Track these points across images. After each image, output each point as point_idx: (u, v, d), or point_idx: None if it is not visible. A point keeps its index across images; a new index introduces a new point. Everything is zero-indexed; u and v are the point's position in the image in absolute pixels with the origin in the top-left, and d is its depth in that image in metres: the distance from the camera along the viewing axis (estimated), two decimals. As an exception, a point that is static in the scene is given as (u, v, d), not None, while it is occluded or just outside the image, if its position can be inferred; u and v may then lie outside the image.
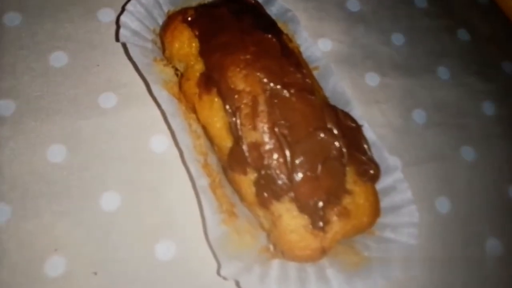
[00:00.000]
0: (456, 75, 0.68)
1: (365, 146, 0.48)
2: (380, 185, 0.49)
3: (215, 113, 0.46)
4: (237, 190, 0.46)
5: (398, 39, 0.69)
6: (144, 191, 0.51)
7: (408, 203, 0.50)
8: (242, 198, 0.46)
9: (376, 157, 0.50)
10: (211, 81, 0.46)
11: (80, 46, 0.59)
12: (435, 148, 0.62)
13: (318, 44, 0.64)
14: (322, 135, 0.44)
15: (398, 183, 0.51)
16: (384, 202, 0.50)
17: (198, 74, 0.48)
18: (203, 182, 0.46)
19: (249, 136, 0.44)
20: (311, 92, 0.46)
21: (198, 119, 0.48)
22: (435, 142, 0.62)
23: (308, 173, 0.43)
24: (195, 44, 0.49)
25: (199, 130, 0.49)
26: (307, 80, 0.47)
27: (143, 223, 0.50)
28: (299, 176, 0.43)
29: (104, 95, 0.56)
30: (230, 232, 0.46)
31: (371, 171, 0.47)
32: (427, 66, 0.68)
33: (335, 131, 0.45)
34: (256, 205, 0.45)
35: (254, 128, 0.44)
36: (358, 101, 0.58)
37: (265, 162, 0.43)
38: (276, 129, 0.44)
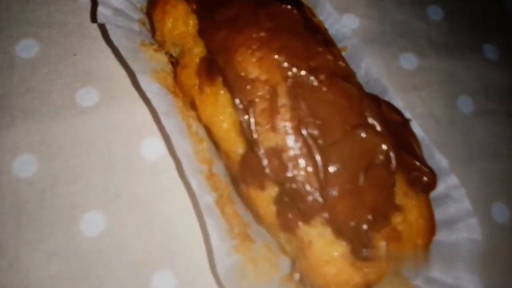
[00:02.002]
0: (506, 53, 0.58)
1: (415, 145, 0.37)
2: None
3: (221, 110, 0.35)
4: (252, 209, 0.36)
5: (435, 12, 0.58)
6: (135, 211, 0.41)
7: (466, 215, 0.40)
8: (258, 219, 0.36)
9: (425, 157, 0.39)
10: (215, 68, 0.35)
11: (53, 31, 0.49)
12: (486, 142, 0.52)
13: (343, 20, 0.53)
14: (363, 134, 0.33)
15: (452, 190, 0.41)
16: (436, 214, 0.39)
17: (197, 60, 0.37)
18: (207, 199, 0.36)
19: (267, 139, 0.33)
20: (346, 78, 0.35)
21: (200, 118, 0.37)
22: (486, 135, 0.52)
23: (347, 186, 0.33)
24: (192, 22, 0.38)
25: (202, 132, 0.39)
26: (340, 62, 0.36)
27: (134, 251, 0.40)
28: (335, 190, 0.32)
29: (83, 91, 0.46)
30: (243, 262, 0.36)
31: (425, 178, 0.36)
32: (472, 44, 0.58)
33: (379, 129, 0.35)
34: (277, 228, 0.35)
35: (274, 128, 0.33)
36: (393, 88, 0.47)
37: (289, 173, 0.33)
38: (303, 129, 0.33)
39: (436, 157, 0.41)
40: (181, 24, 0.39)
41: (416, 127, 0.42)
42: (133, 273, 0.40)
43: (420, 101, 0.53)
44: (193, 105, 0.38)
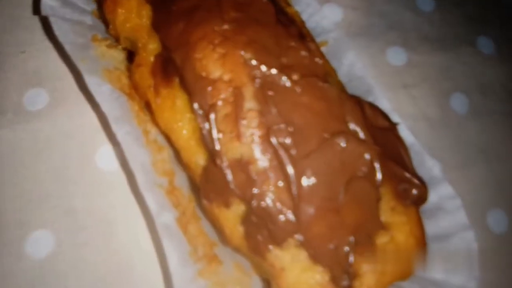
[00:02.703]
0: (502, 46, 0.53)
1: (404, 153, 0.32)
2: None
3: (179, 115, 0.31)
4: (217, 228, 0.31)
5: (426, 2, 0.54)
6: (88, 229, 0.36)
7: (461, 228, 0.35)
8: (224, 239, 0.31)
9: (415, 165, 0.35)
10: (171, 66, 0.30)
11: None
12: (482, 145, 0.48)
13: (324, 11, 0.48)
14: (343, 143, 0.29)
15: (446, 200, 0.36)
16: (427, 228, 0.35)
17: (152, 57, 0.32)
18: (166, 217, 0.31)
19: (232, 150, 0.29)
20: (324, 78, 0.31)
21: (157, 124, 0.32)
22: (482, 137, 0.48)
23: (325, 203, 0.28)
24: (146, 13, 0.33)
25: (161, 139, 0.34)
26: (317, 59, 0.31)
27: (87, 275, 0.34)
28: (311, 208, 0.28)
29: (31, 93, 0.41)
30: (211, 287, 0.31)
31: (415, 191, 0.31)
32: (465, 37, 0.53)
33: (362, 136, 0.30)
34: (246, 250, 0.30)
35: (239, 137, 0.28)
36: (379, 87, 0.42)
37: (257, 189, 0.28)
38: (273, 138, 0.28)
39: (428, 164, 0.37)
40: (134, 16, 0.34)
41: (405, 132, 0.38)
42: (87, 301, 0.35)
43: (410, 100, 0.48)
44: (150, 109, 0.33)
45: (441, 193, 0.37)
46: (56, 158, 0.39)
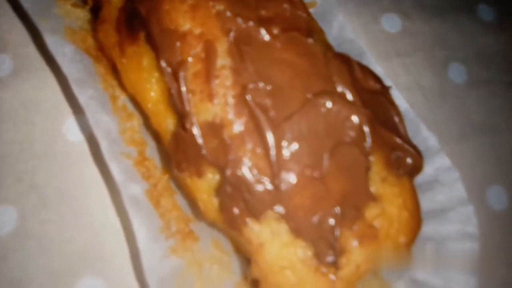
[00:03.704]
0: (503, 14, 0.50)
1: (397, 119, 0.29)
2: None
3: (146, 75, 0.27)
4: (191, 200, 0.28)
5: (422, -33, 0.50)
6: (54, 205, 0.33)
7: (459, 203, 0.33)
8: (199, 213, 0.28)
9: (409, 134, 0.32)
10: (136, 20, 0.27)
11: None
12: (481, 116, 0.45)
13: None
14: (329, 104, 0.26)
15: (442, 172, 0.34)
16: (423, 203, 0.32)
17: (116, 11, 0.28)
18: (134, 189, 0.28)
19: (203, 112, 0.26)
20: (308, 34, 0.27)
21: (124, 87, 0.29)
22: (481, 108, 0.45)
23: (308, 171, 0.25)
24: None
25: (131, 107, 0.31)
26: (300, 12, 0.28)
27: (53, 254, 0.31)
28: (292, 176, 0.25)
29: None
30: (184, 265, 0.29)
31: (409, 160, 0.29)
32: (465, 4, 0.49)
33: (350, 97, 0.27)
34: (222, 225, 0.27)
35: (211, 97, 0.25)
36: (372, 54, 0.39)
37: (232, 155, 0.25)
38: (249, 98, 0.25)
39: (423, 134, 0.34)
40: None
41: (399, 98, 0.35)
42: (52, 280, 0.32)
43: (404, 69, 0.45)
44: (116, 70, 0.30)
45: (437, 164, 0.34)
46: (20, 128, 0.35)
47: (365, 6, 0.46)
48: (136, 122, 0.31)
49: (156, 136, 0.29)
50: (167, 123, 0.27)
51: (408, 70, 0.45)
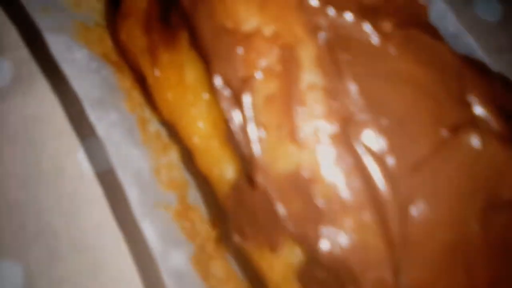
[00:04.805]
0: None
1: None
2: None
3: (191, 95, 0.19)
4: (256, 277, 0.19)
5: None
6: (67, 260, 0.25)
7: None
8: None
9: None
10: (175, 14, 0.18)
11: None
12: None
13: None
14: (476, 143, 0.16)
15: None
16: None
17: (144, 1, 0.19)
18: (177, 259, 0.20)
19: (282, 158, 0.17)
20: (430, 28, 0.18)
21: (157, 109, 0.20)
22: None
23: (446, 252, 0.16)
24: None
25: (165, 132, 0.22)
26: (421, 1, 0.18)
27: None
28: (423, 262, 0.15)
29: None
30: None
31: None
32: None
33: (496, 127, 0.17)
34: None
35: (293, 135, 0.16)
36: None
37: (327, 226, 0.16)
38: (354, 138, 0.16)
39: None
40: None
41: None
42: None
43: (507, 69, 0.35)
44: (146, 85, 0.21)
45: None
46: (24, 153, 0.27)
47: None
48: (175, 154, 0.23)
49: (200, 175, 0.21)
50: (223, 168, 0.18)
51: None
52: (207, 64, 0.17)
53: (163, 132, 0.23)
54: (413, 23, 0.18)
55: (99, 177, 0.27)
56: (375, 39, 0.17)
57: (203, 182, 0.21)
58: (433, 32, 0.18)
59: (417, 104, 0.16)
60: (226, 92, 0.17)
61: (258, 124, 0.16)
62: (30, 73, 0.29)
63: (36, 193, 0.27)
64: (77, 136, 0.28)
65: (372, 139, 0.16)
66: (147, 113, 0.23)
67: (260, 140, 0.16)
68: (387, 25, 0.17)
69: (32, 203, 0.26)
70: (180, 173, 0.22)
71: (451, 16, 0.28)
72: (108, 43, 0.24)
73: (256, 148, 0.16)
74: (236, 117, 0.17)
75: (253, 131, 0.16)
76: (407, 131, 0.16)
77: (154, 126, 0.23)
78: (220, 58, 0.17)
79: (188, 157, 0.22)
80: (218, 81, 0.17)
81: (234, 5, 0.17)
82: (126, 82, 0.23)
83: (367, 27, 0.17)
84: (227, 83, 0.17)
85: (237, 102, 0.17)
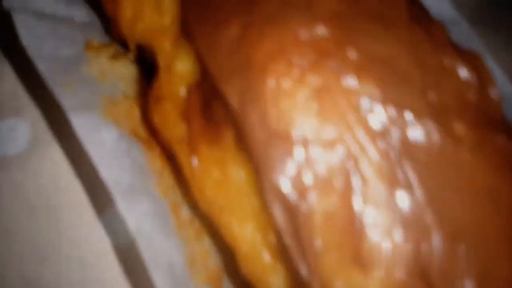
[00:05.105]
0: None
1: None
2: None
3: (234, 198, 0.17)
4: None
5: None
6: None
7: None
8: None
9: None
10: (218, 108, 0.16)
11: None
12: None
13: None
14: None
15: None
16: None
17: (183, 88, 0.18)
18: None
19: (342, 284, 0.14)
20: (501, 126, 0.16)
21: (192, 194, 0.19)
22: None
23: None
24: (169, 5, 0.19)
25: (198, 223, 0.20)
26: (491, 90, 0.16)
27: None
28: None
29: (4, 125, 0.27)
30: None
31: None
32: None
33: None
34: None
35: (361, 264, 0.14)
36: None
37: None
38: (435, 275, 0.14)
39: None
40: (149, 10, 0.19)
41: None
42: None
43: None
44: (179, 170, 0.19)
45: None
46: (40, 228, 0.26)
47: (504, 35, 0.33)
48: (207, 241, 0.21)
49: (240, 277, 0.19)
50: (271, 278, 0.16)
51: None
52: (257, 171, 0.15)
53: (194, 221, 0.21)
54: (486, 122, 0.16)
55: (121, 254, 0.25)
56: (448, 144, 0.15)
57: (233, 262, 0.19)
58: (508, 131, 0.16)
59: (501, 229, 0.15)
60: (278, 205, 0.15)
61: (317, 246, 0.15)
62: (50, 136, 0.27)
63: (58, 270, 0.25)
64: (97, 206, 0.26)
65: (459, 273, 0.14)
66: (179, 196, 0.21)
67: (321, 266, 0.14)
68: (459, 127, 0.15)
69: (52, 280, 0.25)
70: (214, 261, 0.21)
71: (499, 74, 0.26)
72: (137, 116, 0.22)
73: (316, 280, 0.14)
74: (290, 235, 0.15)
75: (311, 255, 0.14)
76: (496, 262, 0.14)
77: (186, 210, 0.21)
78: (272, 166, 0.15)
79: (226, 249, 0.20)
80: (269, 192, 0.15)
81: (290, 111, 0.15)
82: (157, 161, 0.21)
83: (435, 129, 0.15)
84: (279, 196, 0.15)
85: (292, 218, 0.15)
